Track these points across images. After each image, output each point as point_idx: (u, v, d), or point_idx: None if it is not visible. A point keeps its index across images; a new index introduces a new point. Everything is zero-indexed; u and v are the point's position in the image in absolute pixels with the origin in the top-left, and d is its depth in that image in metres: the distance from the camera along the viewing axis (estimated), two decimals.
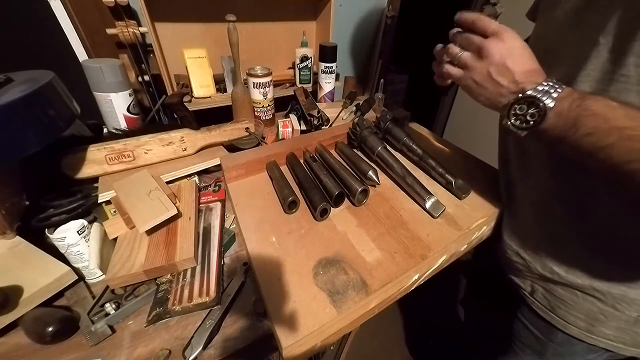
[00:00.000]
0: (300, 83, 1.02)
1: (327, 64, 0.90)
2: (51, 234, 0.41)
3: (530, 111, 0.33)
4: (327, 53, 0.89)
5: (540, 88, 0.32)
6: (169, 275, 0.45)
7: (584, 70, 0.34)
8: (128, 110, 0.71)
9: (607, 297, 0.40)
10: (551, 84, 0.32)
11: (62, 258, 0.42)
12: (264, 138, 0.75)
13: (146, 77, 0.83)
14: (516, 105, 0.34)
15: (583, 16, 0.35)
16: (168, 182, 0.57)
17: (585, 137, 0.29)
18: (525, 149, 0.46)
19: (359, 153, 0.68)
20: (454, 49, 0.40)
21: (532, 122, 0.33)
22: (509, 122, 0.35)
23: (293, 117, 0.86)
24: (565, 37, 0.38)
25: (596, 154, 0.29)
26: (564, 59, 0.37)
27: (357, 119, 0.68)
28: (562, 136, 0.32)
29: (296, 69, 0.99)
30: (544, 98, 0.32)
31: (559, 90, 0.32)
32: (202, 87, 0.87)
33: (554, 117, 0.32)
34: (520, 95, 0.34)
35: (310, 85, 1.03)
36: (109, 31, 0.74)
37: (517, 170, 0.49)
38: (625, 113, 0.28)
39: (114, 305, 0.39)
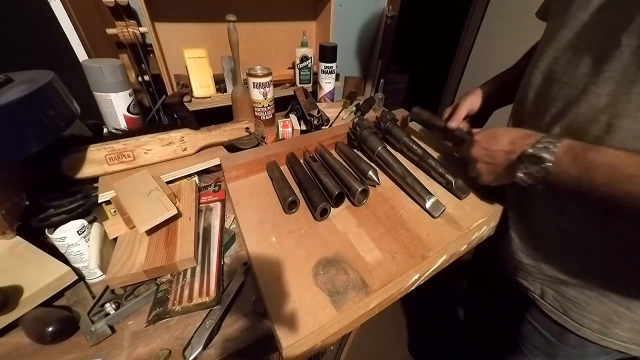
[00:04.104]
0: (300, 83, 1.02)
1: (327, 64, 0.90)
2: (51, 234, 0.41)
3: (535, 168, 0.36)
4: (327, 53, 0.89)
5: (538, 145, 0.35)
6: (169, 275, 0.45)
7: (606, 72, 0.33)
8: (128, 110, 0.71)
9: (621, 298, 0.40)
10: (549, 140, 0.35)
11: (62, 258, 0.42)
12: (264, 138, 0.75)
13: (146, 77, 0.84)
14: (521, 165, 0.38)
15: (602, 15, 0.34)
16: (168, 182, 0.57)
17: (602, 187, 0.31)
18: None
19: (359, 153, 0.68)
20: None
21: (540, 178, 0.36)
22: (520, 175, 0.38)
23: (293, 117, 0.86)
24: (583, 36, 0.36)
25: (616, 200, 0.30)
26: (583, 60, 0.36)
27: (357, 119, 0.68)
28: (575, 188, 0.33)
29: (296, 69, 0.99)
30: (543, 154, 0.35)
31: (557, 144, 0.34)
32: (202, 87, 0.87)
33: (559, 172, 0.34)
34: (520, 154, 0.38)
35: (310, 85, 1.03)
36: (109, 31, 0.74)
37: None
38: (634, 162, 0.29)
39: (114, 305, 0.39)
